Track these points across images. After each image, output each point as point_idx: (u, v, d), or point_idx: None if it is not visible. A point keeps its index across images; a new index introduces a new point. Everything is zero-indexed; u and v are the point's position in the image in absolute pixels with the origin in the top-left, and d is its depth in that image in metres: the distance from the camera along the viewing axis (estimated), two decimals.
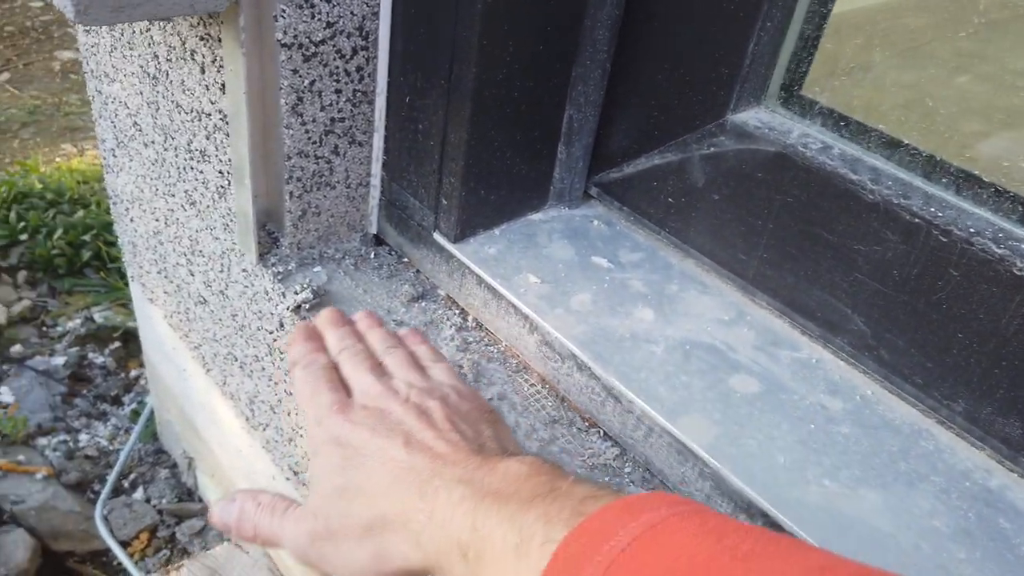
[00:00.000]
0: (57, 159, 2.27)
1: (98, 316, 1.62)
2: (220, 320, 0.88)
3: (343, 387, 0.47)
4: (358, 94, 0.68)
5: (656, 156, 0.70)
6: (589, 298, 0.67)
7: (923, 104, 0.59)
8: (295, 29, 0.60)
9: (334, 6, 0.62)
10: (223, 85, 0.65)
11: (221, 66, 0.64)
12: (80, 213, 1.79)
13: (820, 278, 0.60)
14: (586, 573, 0.29)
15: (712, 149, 0.65)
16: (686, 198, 0.68)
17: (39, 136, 2.45)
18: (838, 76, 0.59)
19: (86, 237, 1.73)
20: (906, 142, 0.56)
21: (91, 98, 0.97)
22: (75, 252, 1.71)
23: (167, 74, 0.74)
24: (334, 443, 0.43)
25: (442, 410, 0.44)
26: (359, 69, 0.67)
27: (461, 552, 0.36)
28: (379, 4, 0.64)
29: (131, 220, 1.02)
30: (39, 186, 1.86)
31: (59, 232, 1.71)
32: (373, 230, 0.79)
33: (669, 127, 0.67)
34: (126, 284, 1.68)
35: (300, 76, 0.63)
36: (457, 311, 0.72)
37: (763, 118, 0.62)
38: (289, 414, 0.80)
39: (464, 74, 0.62)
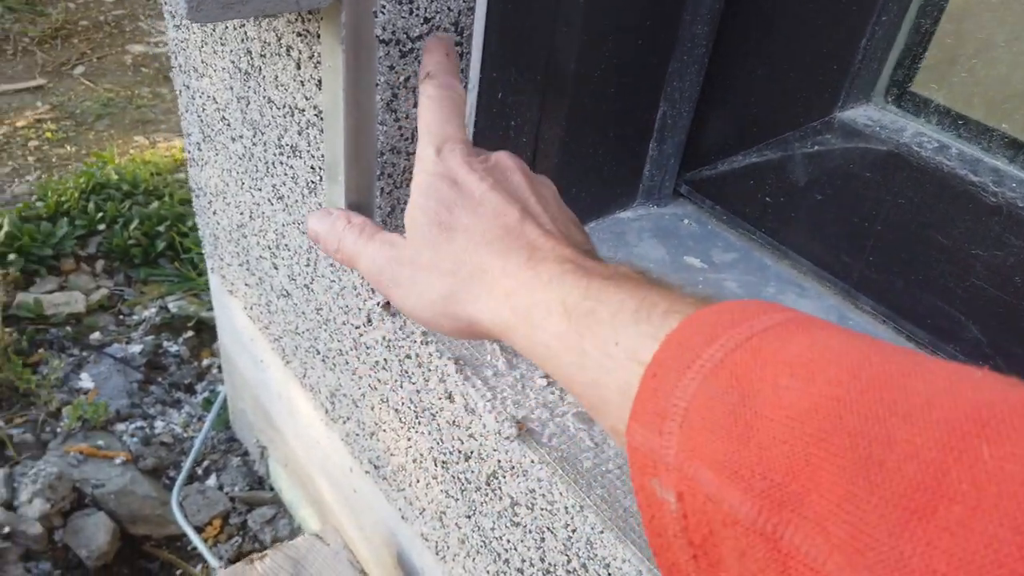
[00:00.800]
0: (130, 151, 2.33)
1: (172, 305, 1.66)
2: (303, 313, 0.89)
3: None
4: None
5: (754, 154, 0.68)
6: None
7: None
8: (394, 25, 0.60)
9: (432, 1, 0.61)
10: (319, 81, 0.65)
11: (318, 62, 0.64)
12: (155, 204, 1.83)
13: (932, 283, 0.58)
14: (721, 341, 0.28)
15: (816, 147, 0.62)
16: (785, 197, 0.66)
17: (113, 128, 2.51)
18: (956, 72, 0.56)
19: (160, 228, 1.77)
20: None
21: (178, 92, 0.98)
22: (150, 242, 1.75)
23: (259, 69, 0.74)
24: (451, 180, 0.43)
25: (555, 203, 0.45)
26: None
27: (564, 309, 0.35)
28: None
29: (214, 213, 1.04)
30: (115, 177, 1.91)
31: (135, 223, 1.76)
32: None
33: (770, 124, 0.66)
34: (199, 274, 1.72)
35: (396, 72, 0.63)
36: None
37: (873, 116, 0.60)
38: (373, 409, 0.81)
39: (562, 70, 0.61)
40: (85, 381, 1.46)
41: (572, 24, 0.58)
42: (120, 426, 1.41)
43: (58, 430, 1.36)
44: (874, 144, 0.59)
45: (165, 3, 0.51)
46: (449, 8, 0.63)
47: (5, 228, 1.62)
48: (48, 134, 2.39)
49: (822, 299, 0.66)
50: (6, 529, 1.13)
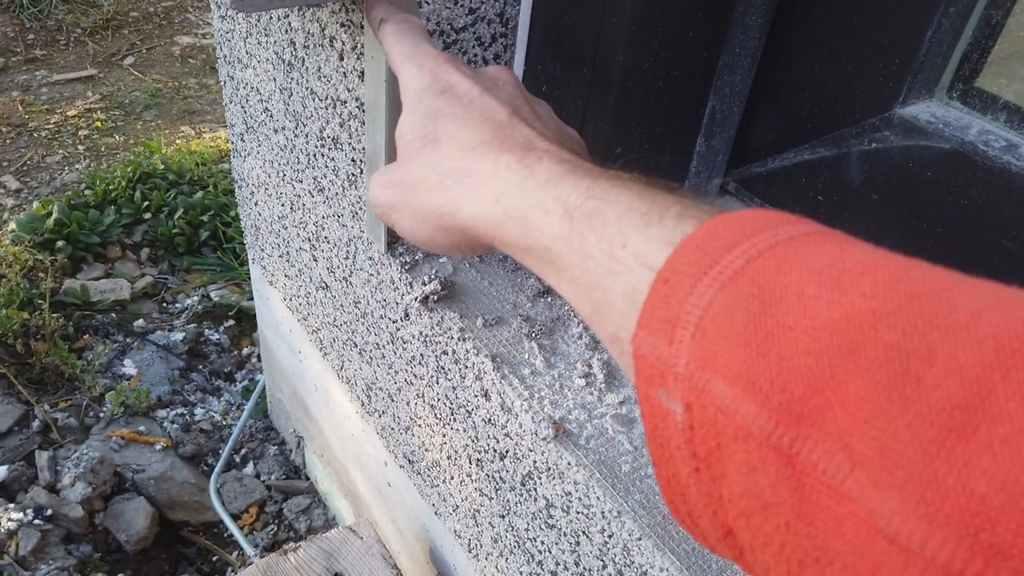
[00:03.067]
0: (177, 141, 2.37)
1: (214, 294, 1.68)
2: (342, 306, 0.89)
3: None
4: None
5: (807, 151, 0.65)
6: None
7: None
8: (439, 16, 0.59)
9: None
10: (362, 73, 0.64)
11: (361, 54, 0.63)
12: (199, 194, 1.85)
13: None
14: (742, 248, 0.25)
15: (874, 145, 0.60)
16: (839, 196, 0.63)
17: (160, 118, 2.56)
18: None
19: (204, 217, 1.79)
20: None
21: (222, 83, 0.99)
22: (194, 232, 1.77)
23: (303, 61, 0.74)
24: (437, 90, 0.40)
25: (550, 117, 0.43)
26: (497, 56, 0.65)
27: (564, 209, 0.32)
28: None
29: (255, 204, 1.05)
30: (161, 167, 1.94)
31: (179, 212, 1.78)
32: None
33: (824, 120, 0.63)
34: (240, 264, 1.74)
35: None
36: None
37: (936, 112, 0.57)
38: (408, 404, 0.80)
39: (610, 63, 0.59)
40: (128, 367, 1.49)
41: (621, 15, 0.56)
42: (161, 412, 1.43)
43: (101, 415, 1.38)
44: (936, 142, 0.56)
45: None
46: (495, 0, 0.62)
47: (54, 215, 1.66)
48: (98, 123, 2.44)
49: None
50: (49, 511, 1.16)
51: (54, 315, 1.47)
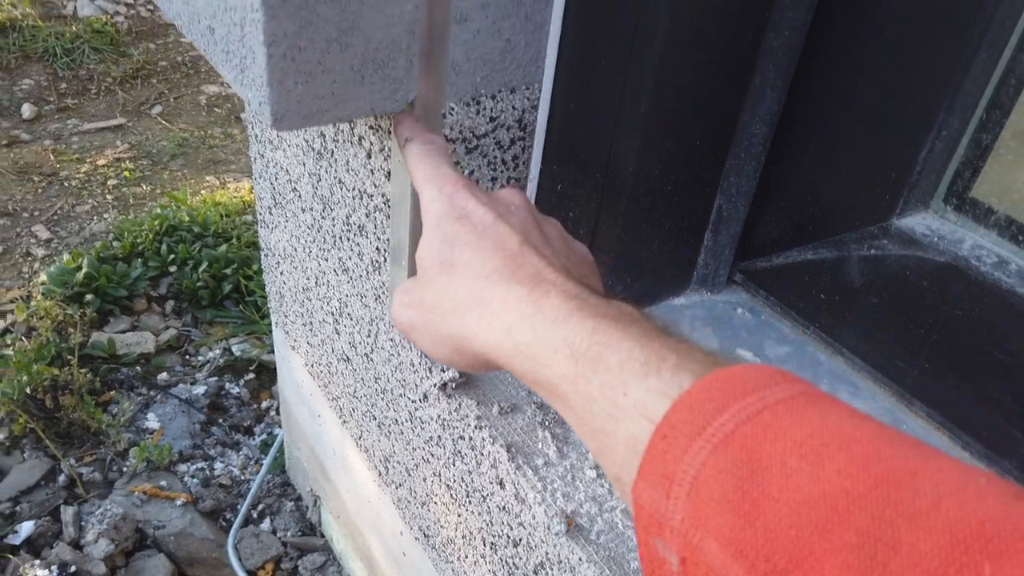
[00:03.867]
0: (202, 191, 2.43)
1: (236, 348, 1.71)
2: (362, 380, 0.92)
3: None
4: (512, 181, 0.70)
5: (809, 251, 0.68)
6: None
7: None
8: (461, 125, 0.63)
9: (498, 102, 0.64)
10: (388, 172, 0.68)
11: (388, 155, 0.67)
12: (223, 247, 1.91)
13: (988, 397, 0.57)
14: (733, 410, 0.28)
15: (873, 251, 0.63)
16: (840, 296, 0.66)
17: (186, 168, 2.63)
18: (1018, 187, 0.56)
19: (227, 271, 1.84)
20: None
21: (253, 159, 1.03)
22: (217, 284, 1.82)
23: (332, 152, 0.78)
24: (454, 216, 0.42)
25: (560, 241, 0.45)
26: (515, 158, 0.69)
27: (571, 351, 0.34)
28: (539, 98, 0.66)
29: (281, 273, 1.09)
30: (187, 219, 1.99)
31: (204, 265, 1.83)
32: None
33: (825, 223, 0.66)
34: (262, 317, 1.78)
35: (461, 166, 0.66)
36: None
37: (931, 225, 0.60)
38: (425, 480, 0.82)
39: (621, 171, 0.63)
40: (152, 421, 1.52)
41: (633, 129, 0.60)
42: (182, 467, 1.46)
43: (124, 469, 1.42)
44: (931, 254, 0.59)
45: (248, 106, 0.55)
46: (514, 107, 0.66)
47: (84, 269, 1.71)
48: (126, 173, 2.52)
49: (876, 399, 0.65)
50: (73, 568, 1.18)
51: (82, 370, 1.51)
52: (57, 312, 1.63)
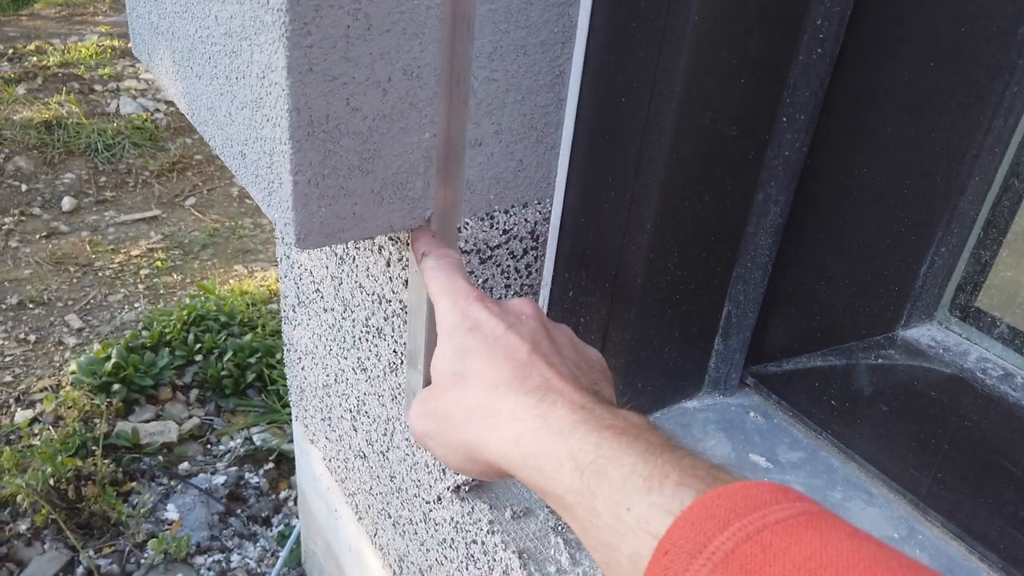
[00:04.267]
0: (231, 280, 2.50)
1: (256, 437, 1.73)
2: (378, 477, 0.93)
3: None
4: (525, 287, 0.73)
5: (818, 358, 0.69)
6: None
7: None
8: (475, 238, 0.66)
9: (511, 216, 0.67)
10: (406, 281, 0.71)
11: (406, 265, 0.70)
12: (248, 336, 1.94)
13: (1002, 509, 0.57)
14: (733, 529, 0.29)
15: (880, 361, 0.64)
16: (851, 403, 0.67)
17: (216, 257, 2.71)
18: (1019, 302, 0.57)
19: (251, 359, 1.87)
20: None
21: (278, 260, 1.07)
22: (241, 373, 1.85)
23: (353, 258, 0.81)
24: (467, 328, 0.44)
25: (570, 346, 0.46)
26: (528, 267, 0.72)
27: (576, 464, 0.35)
28: (550, 212, 0.69)
29: (302, 368, 1.11)
30: (214, 309, 2.04)
31: (228, 354, 1.87)
32: None
33: (833, 332, 0.67)
34: (283, 406, 1.80)
35: (475, 276, 0.69)
36: None
37: (937, 336, 0.61)
38: None
39: (630, 281, 0.65)
40: (171, 512, 1.53)
41: (639, 243, 0.63)
42: (199, 559, 1.45)
43: (142, 561, 1.41)
44: (937, 365, 0.60)
45: (275, 225, 0.58)
46: (526, 220, 0.69)
47: (113, 359, 1.75)
48: (158, 263, 2.60)
49: (891, 508, 0.65)
50: None
51: (105, 460, 1.53)
52: (84, 402, 1.66)
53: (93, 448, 1.53)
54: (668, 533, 0.30)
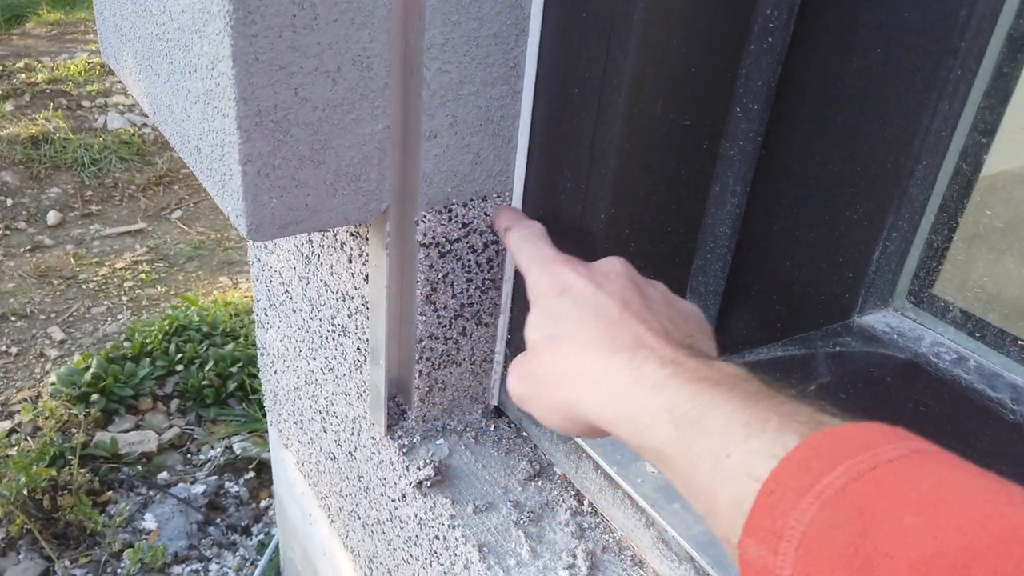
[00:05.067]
0: (215, 291, 2.49)
1: (237, 446, 1.72)
2: (347, 478, 0.92)
3: None
4: (487, 282, 0.73)
5: (779, 348, 0.69)
6: None
7: None
8: (434, 231, 0.66)
9: (469, 209, 0.67)
10: (367, 276, 0.71)
11: (366, 260, 0.70)
12: (230, 346, 1.94)
13: None
14: (843, 468, 0.27)
15: (838, 348, 0.64)
16: (811, 392, 0.67)
17: (201, 269, 2.70)
18: (971, 286, 0.58)
19: (233, 369, 1.87)
20: None
21: (251, 263, 1.07)
22: (222, 383, 1.84)
23: (318, 256, 0.81)
24: (556, 291, 0.44)
25: (662, 301, 0.46)
26: (489, 260, 0.72)
27: (671, 416, 0.35)
28: (509, 204, 0.69)
29: (275, 372, 1.10)
30: (197, 319, 2.04)
31: (210, 364, 1.86)
32: (494, 402, 0.82)
33: (792, 322, 0.67)
34: (264, 416, 1.79)
35: (435, 270, 0.69)
36: (573, 493, 0.73)
37: (891, 322, 0.61)
38: None
39: None
40: (148, 522, 1.51)
41: (596, 235, 0.63)
42: (176, 568, 1.44)
43: (119, 571, 1.40)
44: (892, 351, 0.60)
45: (228, 217, 0.58)
46: (486, 213, 0.69)
47: (92, 369, 1.74)
48: (143, 276, 2.59)
49: None
50: None
51: (82, 470, 1.52)
52: (62, 412, 1.65)
53: (70, 458, 1.52)
54: (773, 474, 0.30)
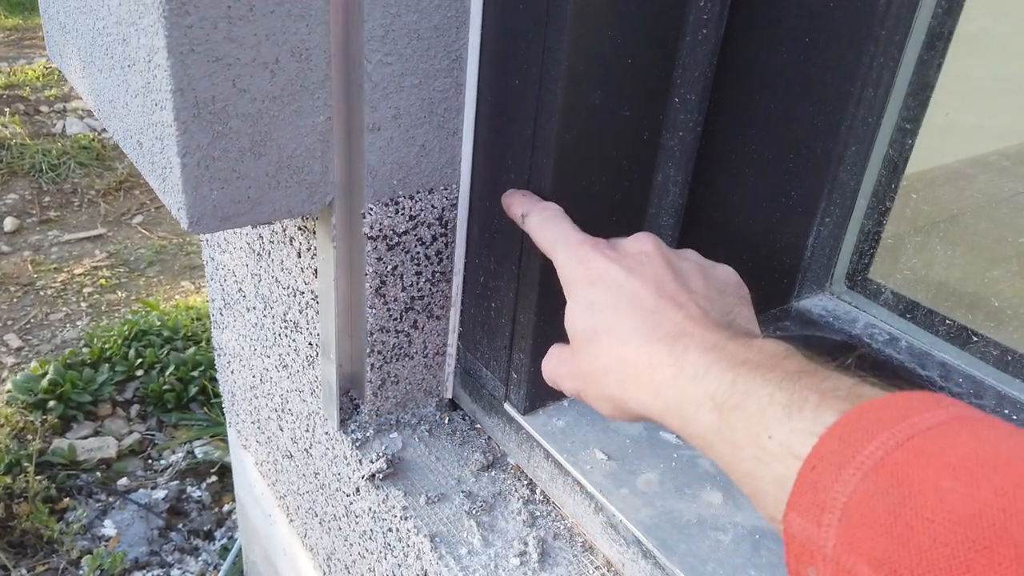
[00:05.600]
0: (176, 296, 2.46)
1: (199, 450, 1.70)
2: (304, 475, 0.92)
3: None
4: (437, 274, 0.73)
5: None
6: (656, 478, 0.66)
7: (997, 293, 0.58)
8: (380, 224, 0.66)
9: (416, 202, 0.68)
10: (315, 270, 0.71)
11: (315, 254, 0.70)
12: (191, 350, 1.92)
13: None
14: (883, 438, 0.28)
15: (779, 333, 0.65)
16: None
17: (163, 274, 2.67)
18: (901, 268, 0.59)
19: (195, 373, 1.85)
20: (980, 333, 0.56)
21: (205, 262, 1.07)
22: (183, 387, 1.82)
23: (269, 253, 0.81)
24: (589, 281, 0.44)
25: (697, 275, 0.46)
26: (438, 253, 0.72)
27: (714, 403, 0.36)
28: (457, 197, 0.70)
29: (232, 372, 1.10)
30: (157, 323, 2.01)
31: (171, 368, 1.84)
32: (448, 395, 0.83)
33: None
34: (226, 419, 1.78)
35: (384, 263, 0.69)
36: (525, 483, 0.73)
37: (828, 306, 0.63)
38: None
39: (531, 263, 0.66)
40: (108, 528, 1.49)
41: None
42: (137, 574, 1.42)
43: None
44: (829, 333, 0.61)
45: (170, 210, 0.58)
46: (433, 206, 0.69)
47: (49, 376, 1.71)
48: (102, 281, 2.55)
49: None
50: None
51: (38, 477, 1.49)
52: (18, 419, 1.62)
53: (26, 465, 1.50)
54: (815, 449, 0.30)
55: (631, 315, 0.42)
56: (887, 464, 0.28)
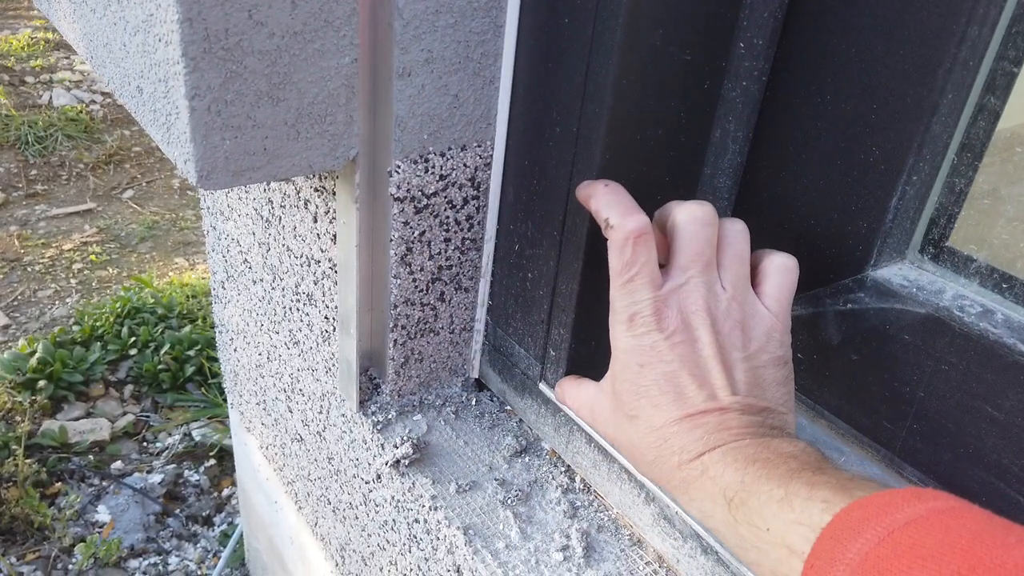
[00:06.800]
0: (170, 273, 2.38)
1: (196, 433, 1.64)
2: (316, 460, 0.86)
3: (660, 271, 0.48)
4: (467, 242, 0.67)
5: None
6: None
7: None
8: (408, 183, 0.60)
9: (448, 160, 0.61)
10: (334, 236, 0.64)
11: (334, 218, 0.64)
12: (187, 328, 1.85)
13: (984, 458, 0.53)
14: (867, 535, 0.32)
15: (849, 306, 0.59)
16: (818, 355, 0.62)
17: (155, 250, 2.59)
18: (998, 233, 0.53)
19: (191, 352, 1.78)
20: None
21: (205, 232, 1.00)
22: (179, 367, 1.75)
23: (280, 219, 0.74)
24: (638, 363, 0.46)
25: (737, 334, 0.48)
26: (469, 218, 0.66)
27: (726, 499, 0.41)
28: (491, 155, 0.63)
29: (235, 350, 1.03)
30: (151, 301, 1.94)
31: (166, 347, 1.77)
32: (475, 375, 0.76)
33: (800, 279, 0.63)
34: (225, 401, 1.71)
35: (410, 227, 0.62)
36: (563, 469, 0.68)
37: (909, 275, 0.57)
38: (382, 570, 0.76)
39: (578, 228, 0.59)
40: (102, 514, 1.43)
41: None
42: (133, 562, 1.36)
43: (70, 567, 1.32)
44: (911, 306, 0.55)
45: (175, 164, 0.51)
46: (465, 164, 0.63)
47: (38, 354, 1.64)
48: (92, 257, 2.47)
49: (864, 466, 0.60)
50: None
51: (28, 460, 1.43)
52: (5, 400, 1.55)
53: (14, 448, 1.43)
54: (813, 549, 0.35)
55: (670, 408, 0.46)
56: (870, 559, 0.32)
